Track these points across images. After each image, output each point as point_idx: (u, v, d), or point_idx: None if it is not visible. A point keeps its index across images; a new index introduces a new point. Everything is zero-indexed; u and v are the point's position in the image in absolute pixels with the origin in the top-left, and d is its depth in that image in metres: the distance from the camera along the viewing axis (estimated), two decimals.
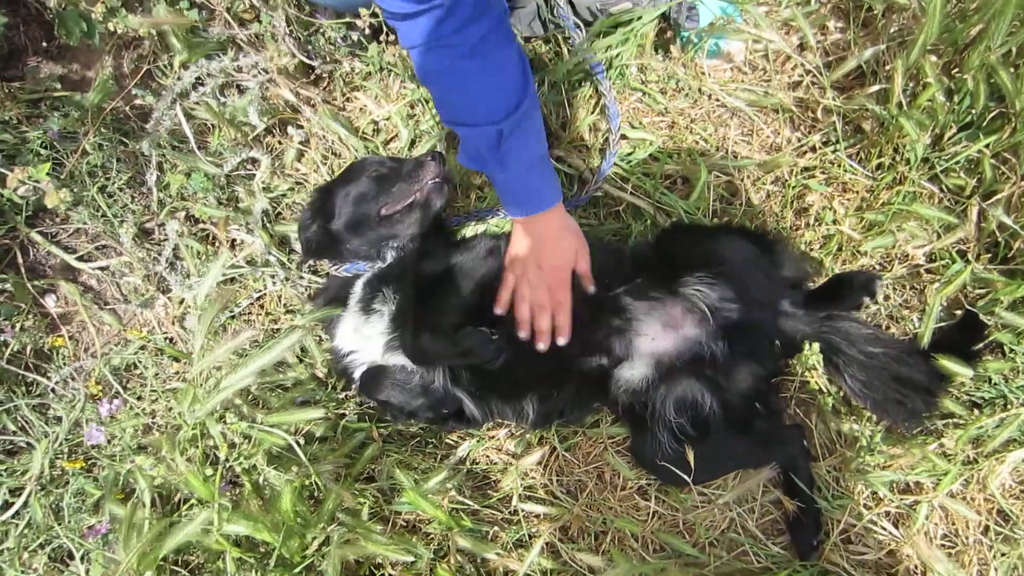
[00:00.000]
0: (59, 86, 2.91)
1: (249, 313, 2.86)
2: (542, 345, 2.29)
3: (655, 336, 2.34)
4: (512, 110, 2.11)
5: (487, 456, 2.61)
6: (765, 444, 2.44)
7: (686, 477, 2.30)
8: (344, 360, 2.48)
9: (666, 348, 2.34)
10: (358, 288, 2.50)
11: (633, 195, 2.66)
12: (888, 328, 2.53)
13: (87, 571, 2.32)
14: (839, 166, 2.63)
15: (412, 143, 2.82)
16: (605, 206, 2.73)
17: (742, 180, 2.68)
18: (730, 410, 2.36)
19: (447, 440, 2.64)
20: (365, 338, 2.42)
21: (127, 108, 2.93)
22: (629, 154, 2.70)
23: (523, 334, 2.30)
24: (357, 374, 2.44)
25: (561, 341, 2.30)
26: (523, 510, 2.41)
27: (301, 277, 2.81)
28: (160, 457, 2.23)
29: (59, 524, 2.38)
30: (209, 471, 2.00)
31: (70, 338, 2.88)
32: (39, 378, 2.74)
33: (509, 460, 2.59)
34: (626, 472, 2.49)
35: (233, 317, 2.82)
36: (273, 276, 2.81)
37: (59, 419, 2.68)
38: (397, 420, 2.48)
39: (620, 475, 2.52)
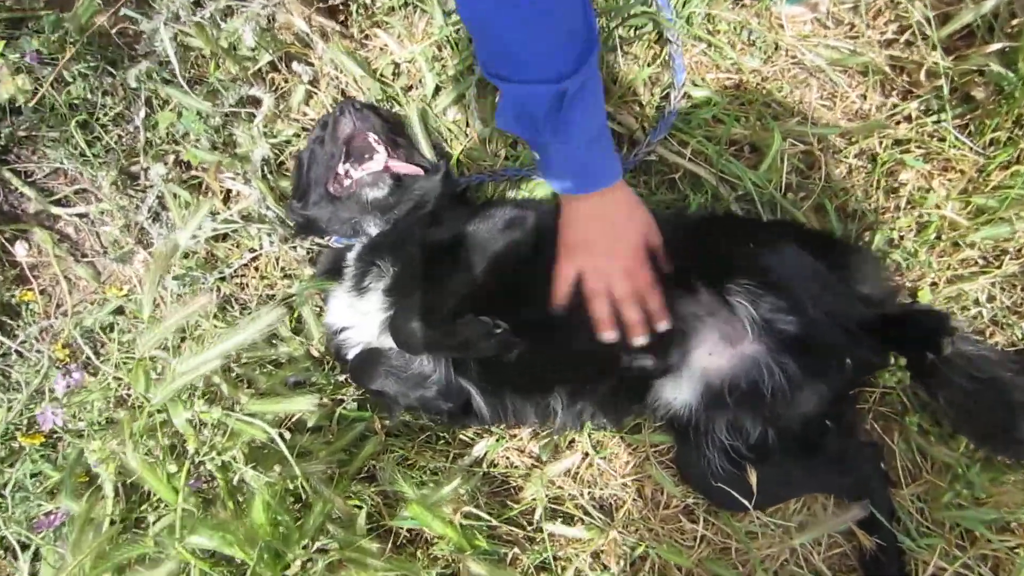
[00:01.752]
0: (41, 3, 2.53)
1: (242, 275, 2.50)
2: (640, 339, 1.90)
3: (712, 351, 1.96)
4: (576, 65, 1.65)
5: (507, 458, 2.25)
6: (836, 466, 2.07)
7: (745, 502, 1.93)
8: (337, 338, 2.14)
9: (720, 367, 1.96)
10: (350, 261, 2.17)
11: (693, 161, 2.26)
12: (991, 335, 2.13)
13: (34, 570, 1.99)
14: (942, 140, 2.21)
15: (436, 91, 2.42)
16: (657, 173, 2.33)
17: (822, 151, 2.26)
18: (793, 435, 2.01)
19: (461, 436, 2.28)
20: (360, 314, 2.08)
21: (116, 33, 2.55)
22: (688, 114, 2.29)
23: (609, 335, 1.91)
24: (351, 354, 2.09)
25: (662, 327, 1.91)
26: (549, 530, 2.04)
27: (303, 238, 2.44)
28: (122, 441, 1.87)
29: (2, 513, 2.05)
30: (173, 467, 1.64)
31: (41, 292, 2.54)
32: (1, 337, 2.40)
33: (533, 465, 2.23)
34: (671, 488, 2.13)
35: (223, 279, 2.46)
36: (270, 234, 2.44)
37: (20, 386, 2.34)
38: (392, 414, 2.13)
39: (664, 491, 2.15)
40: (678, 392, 2.00)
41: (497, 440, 2.22)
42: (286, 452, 1.69)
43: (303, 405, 1.80)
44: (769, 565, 2.05)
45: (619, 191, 1.93)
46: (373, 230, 2.18)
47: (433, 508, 1.77)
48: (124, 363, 2.39)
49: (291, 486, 1.76)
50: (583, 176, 1.87)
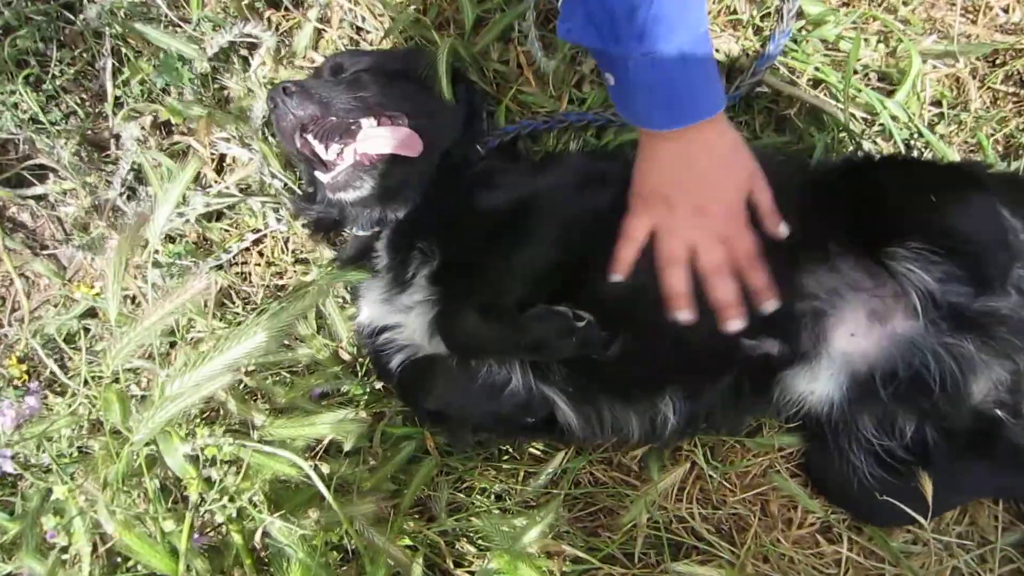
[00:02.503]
0: None
1: (244, 262, 2.02)
2: (735, 324, 1.44)
3: (856, 331, 1.51)
4: None
5: (591, 474, 1.79)
6: (1012, 465, 1.62)
7: (916, 515, 1.49)
8: (375, 342, 1.67)
9: (866, 352, 1.52)
10: (380, 250, 1.70)
11: (813, 93, 1.79)
12: None
13: None
14: None
15: (478, 24, 1.93)
16: (763, 111, 1.87)
17: (968, 75, 1.81)
18: (960, 430, 1.59)
19: (530, 448, 1.81)
20: (403, 311, 1.62)
21: None
22: (800, 36, 1.82)
23: (683, 315, 1.45)
24: (395, 362, 1.63)
25: (769, 306, 1.45)
26: (665, 564, 1.58)
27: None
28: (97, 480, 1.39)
29: None
30: (170, 524, 1.16)
31: None
32: None
33: (623, 480, 1.76)
34: (806, 502, 1.68)
35: (220, 267, 1.98)
36: (277, 210, 1.96)
37: None
38: (458, 439, 1.67)
39: (797, 506, 1.69)
40: (815, 384, 1.55)
41: (579, 454, 1.75)
42: (326, 493, 1.21)
43: (341, 424, 1.33)
44: None
45: (718, 128, 1.44)
46: (401, 213, 1.71)
47: (525, 557, 1.29)
48: (97, 378, 1.90)
49: (333, 537, 1.28)
50: (672, 103, 1.38)
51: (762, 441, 1.71)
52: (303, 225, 1.90)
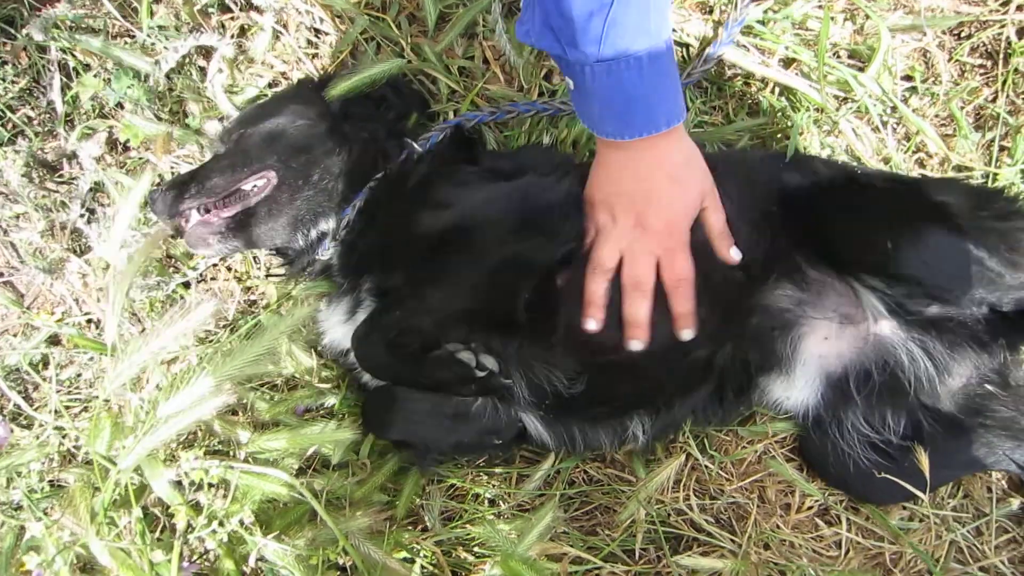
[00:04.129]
0: None
1: (212, 278, 1.94)
2: (635, 344, 1.43)
3: (828, 334, 1.52)
4: None
5: (584, 472, 1.75)
6: (1008, 433, 1.62)
7: (914, 491, 1.49)
8: (343, 361, 1.64)
9: (840, 354, 1.53)
10: (335, 273, 1.67)
11: (785, 73, 1.78)
12: None
13: None
14: None
15: (439, 21, 1.89)
16: (735, 95, 1.85)
17: (936, 48, 1.81)
18: (950, 412, 1.60)
19: (521, 451, 1.77)
20: None
21: None
22: (768, 18, 1.81)
23: (590, 325, 1.44)
24: (366, 378, 1.59)
25: (686, 335, 1.44)
26: (684, 565, 1.55)
27: None
28: (77, 520, 1.32)
29: None
30: (158, 554, 1.10)
31: None
32: None
33: (618, 476, 1.73)
34: (804, 486, 1.66)
35: (187, 285, 1.91)
36: None
37: None
38: (424, 464, 1.61)
39: (795, 490, 1.68)
40: (791, 391, 1.57)
41: (570, 454, 1.71)
42: (320, 510, 1.16)
43: (328, 437, 1.28)
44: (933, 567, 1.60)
45: (674, 141, 1.40)
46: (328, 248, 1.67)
47: (528, 562, 1.25)
48: (67, 408, 1.82)
49: (331, 555, 1.23)
50: (627, 112, 1.33)
51: (756, 429, 1.69)
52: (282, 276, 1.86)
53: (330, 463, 1.49)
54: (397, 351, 1.41)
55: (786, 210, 1.50)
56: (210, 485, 1.15)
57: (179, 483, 1.15)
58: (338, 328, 1.59)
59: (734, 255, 1.46)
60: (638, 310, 1.41)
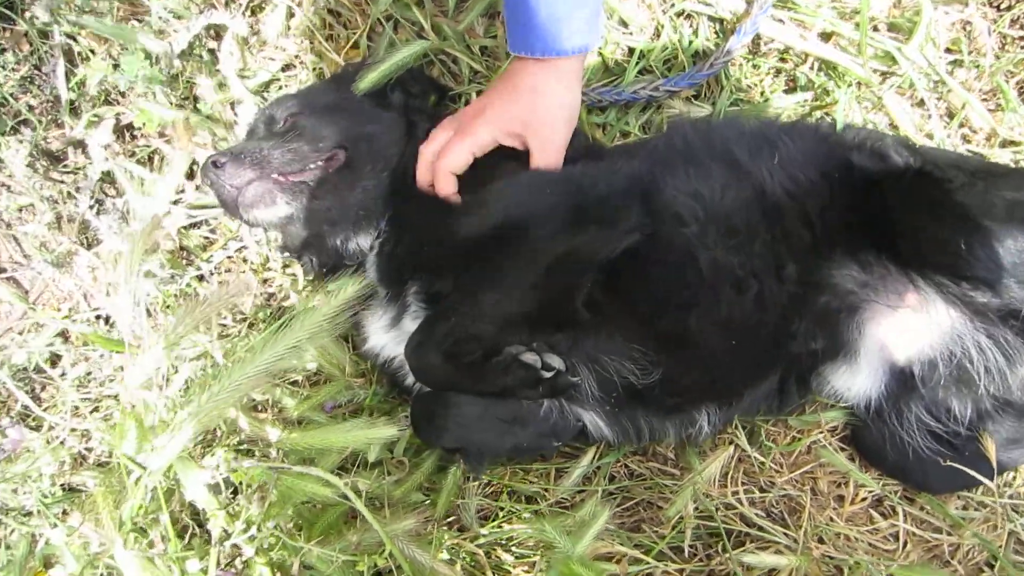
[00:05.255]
0: None
1: (227, 271, 1.85)
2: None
3: (894, 322, 1.44)
4: None
5: (625, 466, 1.67)
6: None
7: (981, 479, 1.42)
8: (386, 367, 1.55)
9: (907, 343, 1.44)
10: (373, 279, 1.55)
11: (824, 45, 1.71)
12: None
13: None
14: None
15: (460, 1, 1.81)
16: (772, 72, 1.78)
17: (980, 18, 1.74)
18: (1021, 404, 1.52)
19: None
20: (406, 336, 1.45)
21: None
22: None
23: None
24: (411, 380, 1.49)
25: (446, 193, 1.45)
26: (720, 556, 1.48)
27: None
28: (99, 522, 1.23)
29: None
30: (193, 563, 1.01)
31: None
32: None
33: (663, 470, 1.65)
34: (859, 476, 1.59)
35: (201, 278, 1.82)
36: None
37: None
38: (477, 468, 1.52)
39: (848, 480, 1.60)
40: (852, 380, 1.49)
41: (612, 448, 1.63)
42: (366, 513, 1.08)
43: (365, 435, 1.19)
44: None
45: (563, 68, 1.42)
46: (371, 239, 1.58)
47: (588, 564, 1.17)
48: (76, 409, 1.73)
49: (378, 560, 1.14)
50: (533, 30, 1.36)
51: (806, 419, 1.61)
52: (307, 278, 1.75)
53: (364, 461, 1.41)
54: (456, 360, 1.32)
55: (851, 191, 1.42)
56: (248, 487, 1.06)
57: (214, 485, 1.07)
58: (381, 334, 1.51)
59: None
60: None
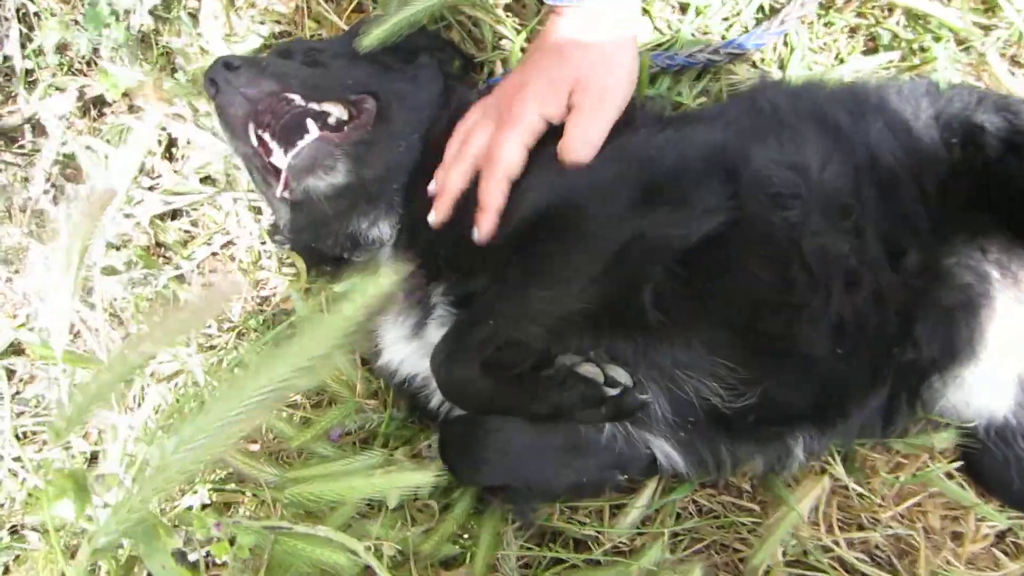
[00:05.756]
0: None
1: (212, 271, 1.57)
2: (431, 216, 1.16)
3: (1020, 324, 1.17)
4: None
5: (693, 501, 1.39)
6: None
7: None
8: (406, 387, 1.25)
9: None
10: (385, 264, 1.28)
11: None
12: None
13: None
14: None
15: None
16: (849, 29, 1.51)
17: None
18: None
19: None
20: (430, 347, 1.15)
21: None
22: None
23: (434, 216, 1.16)
24: (436, 401, 1.22)
25: (484, 226, 1.12)
26: None
27: None
28: None
29: None
30: None
31: None
32: None
33: (738, 504, 1.37)
34: (985, 511, 1.31)
35: (181, 279, 1.53)
36: (257, 209, 1.53)
37: None
38: (526, 515, 1.24)
39: (970, 516, 1.32)
40: (972, 394, 1.23)
41: (681, 482, 1.35)
42: None
43: (381, 475, 0.91)
44: None
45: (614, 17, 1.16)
46: (387, 229, 1.28)
47: None
48: (33, 434, 1.45)
49: None
50: None
51: (913, 441, 1.33)
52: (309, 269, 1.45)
53: (379, 506, 1.12)
54: (497, 373, 1.05)
55: (974, 159, 1.14)
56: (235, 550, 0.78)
57: (182, 555, 0.78)
58: (400, 346, 1.21)
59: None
60: (452, 175, 1.18)
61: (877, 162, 1.12)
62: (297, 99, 1.20)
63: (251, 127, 1.20)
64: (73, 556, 0.93)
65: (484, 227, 1.11)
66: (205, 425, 0.60)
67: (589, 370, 1.06)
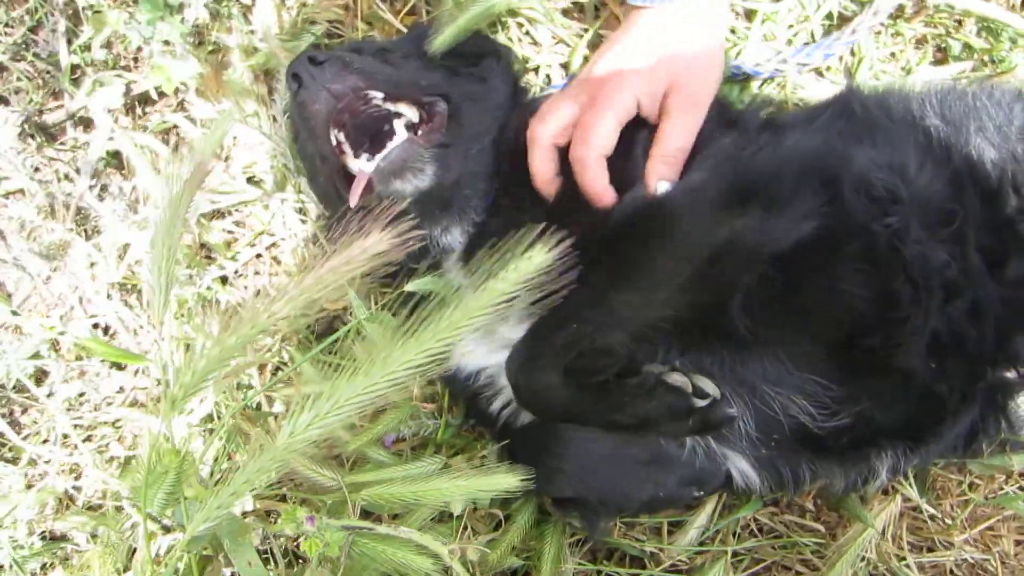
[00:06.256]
0: None
1: (256, 273, 1.53)
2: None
3: None
4: None
5: (755, 519, 1.34)
6: None
7: None
8: (470, 383, 1.20)
9: None
10: (452, 272, 1.25)
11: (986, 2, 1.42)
12: None
13: None
14: None
15: None
16: (917, 39, 1.48)
17: None
18: None
19: None
20: (504, 345, 1.12)
21: None
22: None
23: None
24: (497, 405, 1.18)
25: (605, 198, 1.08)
26: None
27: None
28: None
29: None
30: None
31: None
32: None
33: (801, 524, 1.32)
34: None
35: (224, 280, 1.49)
36: (301, 210, 1.50)
37: None
38: (597, 530, 1.17)
39: None
40: None
41: (742, 496, 1.29)
42: None
43: (503, 480, 0.86)
44: None
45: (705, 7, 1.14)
46: (458, 236, 1.24)
47: None
48: (65, 437, 1.40)
49: None
50: None
51: (990, 463, 1.28)
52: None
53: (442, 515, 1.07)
54: (580, 380, 1.00)
55: None
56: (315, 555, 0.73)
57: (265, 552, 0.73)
58: (470, 346, 1.16)
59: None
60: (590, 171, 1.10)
61: (975, 168, 1.08)
62: (378, 97, 1.16)
63: (332, 127, 1.16)
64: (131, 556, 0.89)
65: (604, 201, 1.08)
66: (321, 412, 0.56)
67: (677, 379, 1.01)
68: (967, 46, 1.44)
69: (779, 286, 1.00)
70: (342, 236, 0.82)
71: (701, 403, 0.99)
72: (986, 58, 1.44)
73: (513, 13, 1.50)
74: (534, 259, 0.63)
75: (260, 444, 0.58)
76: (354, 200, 1.12)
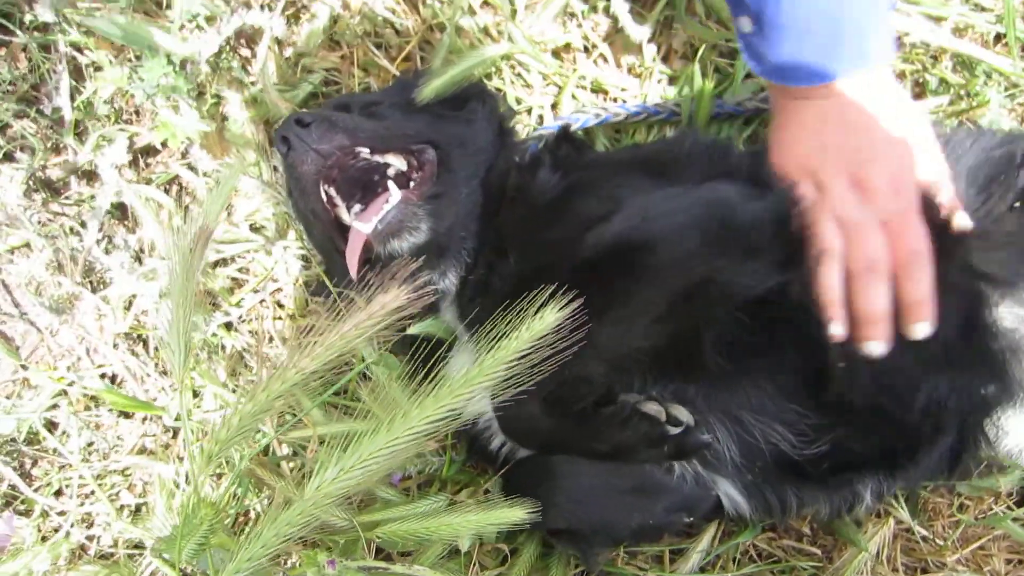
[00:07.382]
0: None
1: (258, 318, 1.57)
2: (877, 346, 1.04)
3: None
4: None
5: (753, 545, 1.37)
6: None
7: None
8: (470, 428, 1.24)
9: None
10: (447, 314, 1.29)
11: (962, 41, 1.48)
12: None
13: None
14: None
15: None
16: (896, 74, 1.54)
17: None
18: None
19: None
20: None
21: None
22: None
23: (836, 329, 1.05)
24: (496, 444, 1.22)
25: (921, 331, 1.04)
26: None
27: None
28: None
29: None
30: None
31: None
32: None
33: (799, 548, 1.35)
34: None
35: (229, 327, 1.53)
36: (305, 257, 1.54)
37: None
38: (592, 559, 1.20)
39: None
40: None
41: (737, 522, 1.33)
42: None
43: (506, 515, 0.90)
44: None
45: (882, 79, 1.11)
46: (453, 279, 1.28)
47: None
48: (82, 488, 1.43)
49: None
50: (836, 42, 1.06)
51: (978, 483, 1.32)
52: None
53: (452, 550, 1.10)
54: (560, 410, 1.04)
55: None
56: None
57: None
58: None
59: (963, 221, 1.09)
60: (877, 298, 1.04)
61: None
62: (365, 152, 1.21)
63: (321, 184, 1.20)
64: None
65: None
66: (346, 466, 0.59)
67: (651, 408, 1.05)
68: (943, 81, 1.50)
69: (749, 327, 1.04)
70: (362, 293, 0.87)
71: (675, 431, 1.03)
72: (962, 92, 1.50)
73: (507, 57, 1.56)
74: (546, 318, 0.67)
75: (286, 498, 0.62)
76: (353, 269, 1.16)
